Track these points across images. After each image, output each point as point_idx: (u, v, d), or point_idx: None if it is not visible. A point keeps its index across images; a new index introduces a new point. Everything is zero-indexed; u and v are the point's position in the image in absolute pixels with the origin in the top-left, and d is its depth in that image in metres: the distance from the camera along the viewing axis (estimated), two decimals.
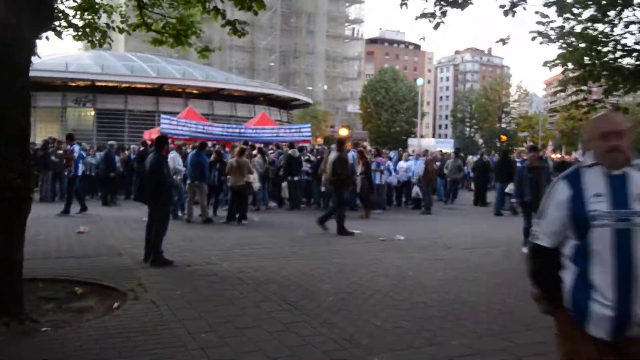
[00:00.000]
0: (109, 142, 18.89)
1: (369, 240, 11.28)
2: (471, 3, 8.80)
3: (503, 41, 9.81)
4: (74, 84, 32.56)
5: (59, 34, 9.48)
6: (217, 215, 14.46)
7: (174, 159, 13.87)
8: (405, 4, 8.21)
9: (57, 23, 9.27)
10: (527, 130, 74.76)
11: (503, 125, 78.69)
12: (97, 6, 9.99)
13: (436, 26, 8.40)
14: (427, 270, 8.35)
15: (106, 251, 9.44)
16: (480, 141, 70.87)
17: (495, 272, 8.34)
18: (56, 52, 37.62)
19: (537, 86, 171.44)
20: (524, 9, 9.47)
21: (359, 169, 15.71)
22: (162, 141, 8.52)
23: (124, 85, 33.62)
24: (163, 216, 8.38)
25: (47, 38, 8.45)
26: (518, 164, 14.40)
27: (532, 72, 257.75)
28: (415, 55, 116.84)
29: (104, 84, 32.81)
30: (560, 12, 11.10)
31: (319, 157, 17.29)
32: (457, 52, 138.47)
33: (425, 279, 7.79)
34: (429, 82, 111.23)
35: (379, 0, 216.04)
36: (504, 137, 69.75)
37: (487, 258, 9.54)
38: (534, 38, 11.00)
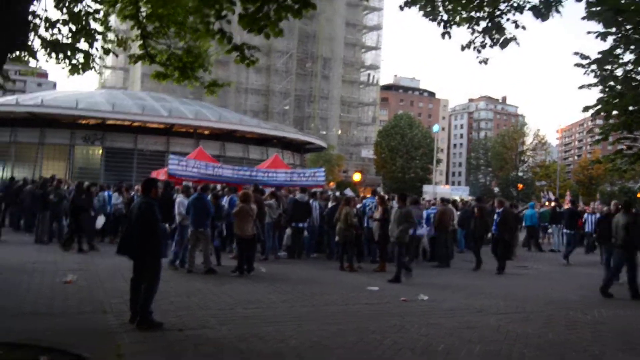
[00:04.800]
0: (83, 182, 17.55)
1: (389, 299, 10.02)
2: (515, 41, 7.74)
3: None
4: (83, 122, 31.89)
5: (32, 54, 8.57)
6: (222, 264, 13.29)
7: (180, 203, 12.83)
8: (448, 33, 7.20)
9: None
10: (544, 179, 73.34)
11: (520, 174, 77.37)
12: (92, 31, 9.07)
13: (484, 61, 7.37)
14: (460, 343, 7.06)
15: (90, 307, 8.26)
16: (496, 189, 69.43)
17: (541, 347, 7.05)
18: (67, 89, 37.16)
19: (550, 135, 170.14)
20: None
21: (377, 214, 14.53)
22: (150, 183, 7.40)
23: (134, 124, 32.90)
24: (153, 273, 7.19)
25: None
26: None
27: (546, 120, 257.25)
28: (429, 102, 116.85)
29: (113, 122, 32.13)
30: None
31: (334, 204, 16.11)
32: (471, 100, 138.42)
33: (460, 355, 6.52)
34: (442, 129, 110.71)
35: (394, 47, 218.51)
36: (520, 186, 68.47)
37: (528, 326, 8.23)
38: (581, 87, 10.08)
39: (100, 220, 16.77)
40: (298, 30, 70.71)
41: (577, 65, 10.59)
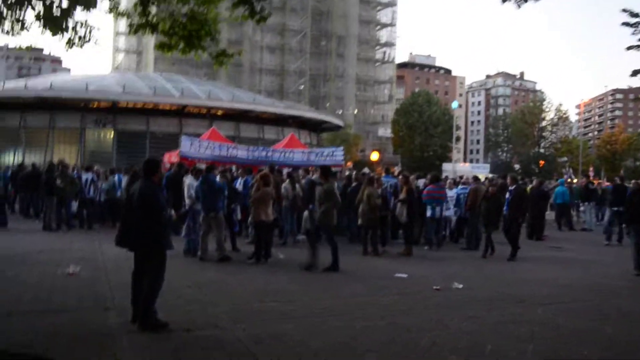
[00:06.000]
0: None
1: (420, 288, 9.12)
2: None
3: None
4: (94, 105, 31.18)
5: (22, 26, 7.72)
6: (238, 249, 12.45)
7: (190, 185, 11.99)
8: None
9: None
10: (565, 155, 71.74)
11: (541, 150, 75.78)
12: None
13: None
14: (508, 342, 6.14)
15: (91, 302, 7.46)
16: (517, 166, 67.93)
17: (603, 345, 6.13)
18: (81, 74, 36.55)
19: (569, 111, 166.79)
20: None
21: (401, 195, 13.59)
22: (151, 165, 6.49)
23: (146, 105, 32.11)
24: (157, 266, 6.33)
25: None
26: None
27: (564, 96, 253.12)
28: (446, 79, 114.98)
29: (125, 104, 31.36)
30: None
31: (354, 184, 15.17)
32: (488, 76, 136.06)
33: (513, 356, 5.62)
34: (460, 106, 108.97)
35: (409, 24, 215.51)
36: (542, 163, 67.02)
37: (579, 319, 7.31)
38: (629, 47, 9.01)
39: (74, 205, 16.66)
40: (311, 8, 69.38)
41: (625, 24, 9.51)
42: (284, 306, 7.54)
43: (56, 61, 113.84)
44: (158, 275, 6.36)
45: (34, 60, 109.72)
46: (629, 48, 9.56)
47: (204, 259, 11.20)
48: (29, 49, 9.89)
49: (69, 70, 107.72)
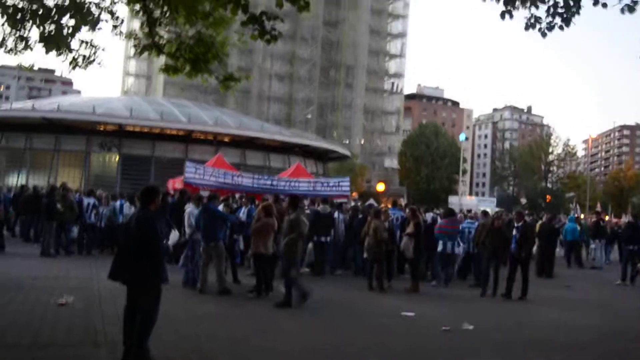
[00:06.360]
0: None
1: (429, 328, 8.66)
2: (577, 13, 6.37)
3: None
4: (101, 128, 31.05)
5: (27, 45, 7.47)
6: (240, 281, 12.00)
7: (190, 213, 11.63)
8: (510, 12, 5.88)
9: None
10: (573, 190, 71.17)
11: (548, 185, 75.30)
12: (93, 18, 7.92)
13: (549, 29, 6.01)
14: None
15: (80, 337, 7.04)
16: (524, 200, 67.36)
17: None
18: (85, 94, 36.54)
19: (577, 146, 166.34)
20: None
21: (409, 229, 13.17)
22: (149, 193, 6.15)
23: (152, 130, 31.96)
24: (152, 301, 5.94)
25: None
26: None
27: (570, 131, 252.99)
28: (453, 112, 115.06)
29: (131, 128, 31.23)
30: None
31: (360, 216, 14.80)
32: (495, 110, 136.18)
33: None
34: (467, 138, 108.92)
35: (418, 56, 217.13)
36: (549, 198, 66.51)
37: None
38: None
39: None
40: (322, 38, 69.79)
41: None
42: (282, 345, 7.12)
43: (67, 83, 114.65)
44: (152, 310, 5.97)
45: (44, 81, 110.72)
46: None
47: (203, 291, 10.76)
48: (31, 68, 9.67)
49: (79, 92, 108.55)
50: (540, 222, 19.48)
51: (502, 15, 5.94)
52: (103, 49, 8.91)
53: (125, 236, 6.10)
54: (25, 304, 8.85)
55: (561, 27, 5.89)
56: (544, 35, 5.92)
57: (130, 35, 9.10)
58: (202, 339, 7.23)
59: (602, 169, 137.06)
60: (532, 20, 5.94)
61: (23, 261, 14.16)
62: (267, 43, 6.43)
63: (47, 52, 7.74)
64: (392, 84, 79.50)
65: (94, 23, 7.99)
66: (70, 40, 8.53)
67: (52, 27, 7.77)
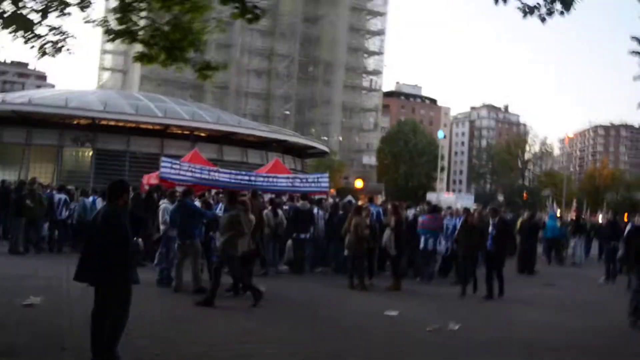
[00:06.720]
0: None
1: (413, 328, 8.35)
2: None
3: None
4: (74, 122, 30.23)
5: None
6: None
7: (165, 209, 11.19)
8: None
9: None
10: (549, 188, 71.78)
11: (525, 183, 75.93)
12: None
13: (549, 14, 5.70)
14: None
15: (45, 341, 6.58)
16: (501, 198, 67.71)
17: None
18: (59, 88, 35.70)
19: (553, 144, 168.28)
20: None
21: (391, 224, 12.85)
22: (116, 187, 5.71)
23: (127, 124, 31.23)
24: (122, 303, 5.52)
25: None
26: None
27: (546, 130, 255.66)
28: (431, 109, 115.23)
29: (105, 122, 30.46)
30: None
31: (341, 212, 14.47)
32: (473, 108, 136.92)
33: None
34: (445, 136, 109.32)
35: (397, 54, 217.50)
36: (525, 195, 66.98)
37: None
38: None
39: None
40: (301, 34, 69.33)
41: (634, 52, 9.01)
42: (263, 348, 6.75)
43: (41, 77, 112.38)
44: (122, 313, 5.56)
45: (18, 75, 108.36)
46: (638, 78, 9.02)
47: (178, 290, 10.33)
48: None
49: (53, 86, 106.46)
50: (520, 219, 19.34)
51: (496, 0, 5.63)
52: (73, 36, 8.47)
53: (90, 234, 5.66)
54: None
55: (562, 13, 5.61)
56: (543, 20, 5.63)
57: (102, 22, 8.64)
58: (179, 343, 6.81)
59: (577, 167, 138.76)
60: (530, 7, 5.62)
61: None
62: (249, 22, 6.07)
63: (5, 29, 7.25)
64: (371, 80, 79.35)
65: (61, 5, 7.53)
66: (37, 26, 8.10)
67: (11, 6, 7.29)
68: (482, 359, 6.81)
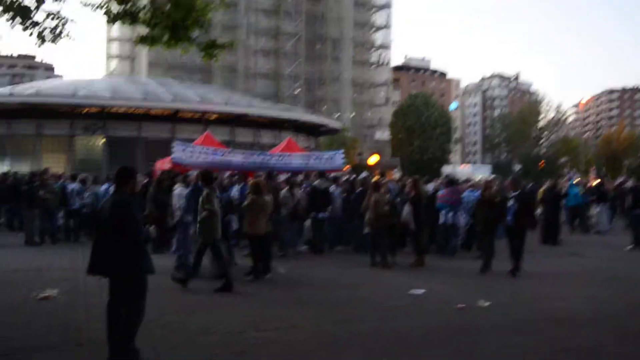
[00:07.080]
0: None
1: (442, 307, 8.02)
2: None
3: None
4: (83, 111, 30.02)
5: None
6: (236, 263, 11.24)
7: (179, 195, 10.91)
8: None
9: None
10: (567, 155, 70.86)
11: (542, 151, 74.95)
12: None
13: None
14: None
15: (62, 336, 6.35)
16: (518, 166, 66.84)
17: None
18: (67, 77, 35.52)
19: (568, 111, 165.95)
20: None
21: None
22: (124, 174, 5.40)
23: (137, 111, 30.97)
24: (136, 294, 5.25)
25: None
26: None
27: (559, 96, 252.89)
28: (441, 82, 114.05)
29: (115, 110, 30.22)
30: None
31: (359, 189, 14.11)
32: (483, 79, 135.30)
33: None
34: (458, 107, 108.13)
35: (404, 27, 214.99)
36: (542, 164, 66.13)
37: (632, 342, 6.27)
38: None
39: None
40: (305, 12, 68.40)
41: None
42: (284, 335, 6.46)
43: (49, 69, 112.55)
44: (138, 305, 5.29)
45: (27, 68, 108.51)
46: None
47: (196, 277, 10.08)
48: None
49: (61, 77, 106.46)
50: (543, 188, 18.81)
51: None
52: (72, 20, 8.14)
53: (99, 223, 5.36)
54: (3, 299, 8.17)
55: None
56: None
57: (101, 5, 8.28)
58: (196, 332, 6.54)
59: (594, 132, 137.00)
60: None
61: (6, 252, 13.47)
62: None
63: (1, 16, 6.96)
64: (379, 55, 78.29)
65: None
66: (35, 12, 7.81)
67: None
68: (515, 337, 6.46)
